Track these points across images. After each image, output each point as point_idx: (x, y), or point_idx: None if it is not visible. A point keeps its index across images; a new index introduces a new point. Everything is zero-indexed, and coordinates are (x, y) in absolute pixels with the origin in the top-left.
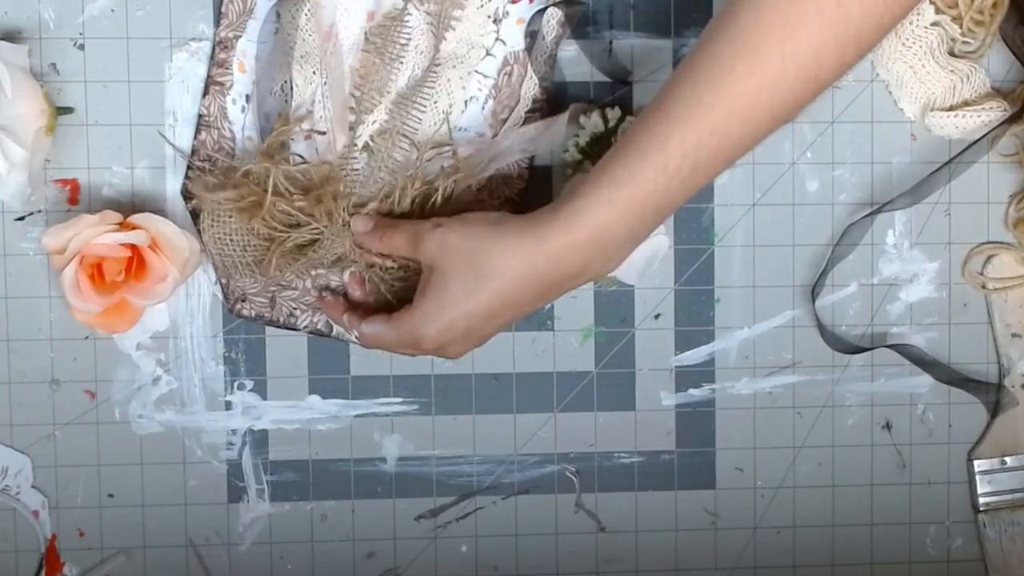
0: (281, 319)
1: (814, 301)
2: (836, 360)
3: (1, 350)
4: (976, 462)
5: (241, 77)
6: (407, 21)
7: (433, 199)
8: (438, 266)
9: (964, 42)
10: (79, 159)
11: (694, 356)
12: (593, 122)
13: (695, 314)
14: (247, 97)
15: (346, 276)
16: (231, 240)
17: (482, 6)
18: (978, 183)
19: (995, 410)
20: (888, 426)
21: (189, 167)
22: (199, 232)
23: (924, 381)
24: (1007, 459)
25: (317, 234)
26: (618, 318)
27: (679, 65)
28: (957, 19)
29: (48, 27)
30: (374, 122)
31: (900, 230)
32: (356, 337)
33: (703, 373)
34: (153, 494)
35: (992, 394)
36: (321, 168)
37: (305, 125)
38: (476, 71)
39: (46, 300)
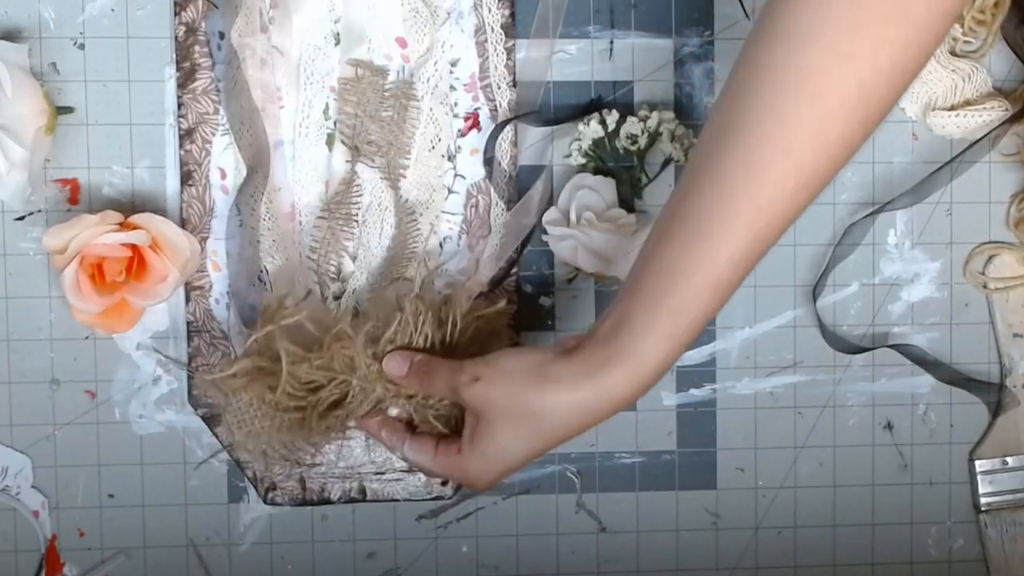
0: (315, 497)
1: (815, 301)
2: (837, 360)
3: (1, 350)
4: (977, 462)
5: (218, 276)
6: (358, 182)
7: (449, 311)
8: (485, 417)
9: (966, 41)
10: (79, 159)
11: (695, 356)
12: (593, 129)
13: None
14: (230, 294)
15: (392, 413)
16: (261, 428)
17: (433, 147)
18: (979, 183)
19: (996, 410)
20: (889, 426)
21: (190, 377)
22: (220, 435)
23: (925, 381)
24: (1008, 459)
25: (345, 388)
26: None
27: (690, 170)
28: (958, 18)
29: (48, 26)
30: (354, 290)
31: (901, 230)
32: (398, 457)
33: (704, 373)
34: (153, 494)
35: (993, 394)
36: (323, 319)
37: (288, 320)
38: (443, 212)
39: (46, 300)
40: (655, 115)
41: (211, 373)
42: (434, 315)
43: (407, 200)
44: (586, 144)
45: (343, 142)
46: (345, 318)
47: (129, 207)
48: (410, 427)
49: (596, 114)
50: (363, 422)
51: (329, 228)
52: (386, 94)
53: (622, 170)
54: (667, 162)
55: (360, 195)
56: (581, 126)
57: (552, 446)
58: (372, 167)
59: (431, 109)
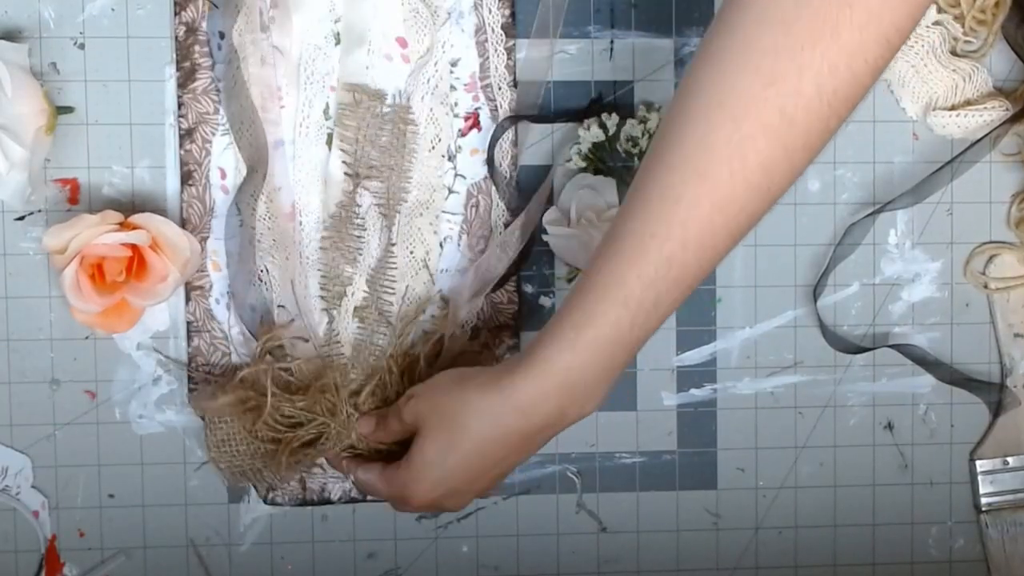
0: (315, 497)
1: (816, 301)
2: (838, 360)
3: (1, 350)
4: (978, 462)
5: (218, 276)
6: (358, 212)
7: (419, 369)
8: (419, 430)
9: (966, 41)
10: (79, 159)
11: (696, 356)
12: (593, 133)
13: (696, 314)
14: (230, 294)
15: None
16: (237, 451)
17: (433, 148)
18: (980, 182)
19: (997, 410)
20: (890, 426)
21: (190, 378)
22: (207, 442)
23: (926, 381)
24: (1009, 459)
25: (323, 428)
26: None
27: (627, 194)
28: (959, 18)
29: (48, 26)
30: (346, 310)
31: (902, 230)
32: (351, 482)
33: (705, 373)
34: (153, 494)
35: (994, 394)
36: (312, 363)
37: (287, 333)
38: (443, 212)
39: (46, 300)
40: (654, 115)
41: (200, 399)
42: (408, 375)
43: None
44: (585, 148)
45: (346, 172)
46: (332, 372)
47: (129, 207)
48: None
49: (596, 118)
50: (333, 459)
51: (334, 259)
52: (384, 119)
53: (623, 170)
54: None
55: (364, 228)
56: (581, 131)
57: (474, 462)
58: (370, 191)
59: (431, 109)
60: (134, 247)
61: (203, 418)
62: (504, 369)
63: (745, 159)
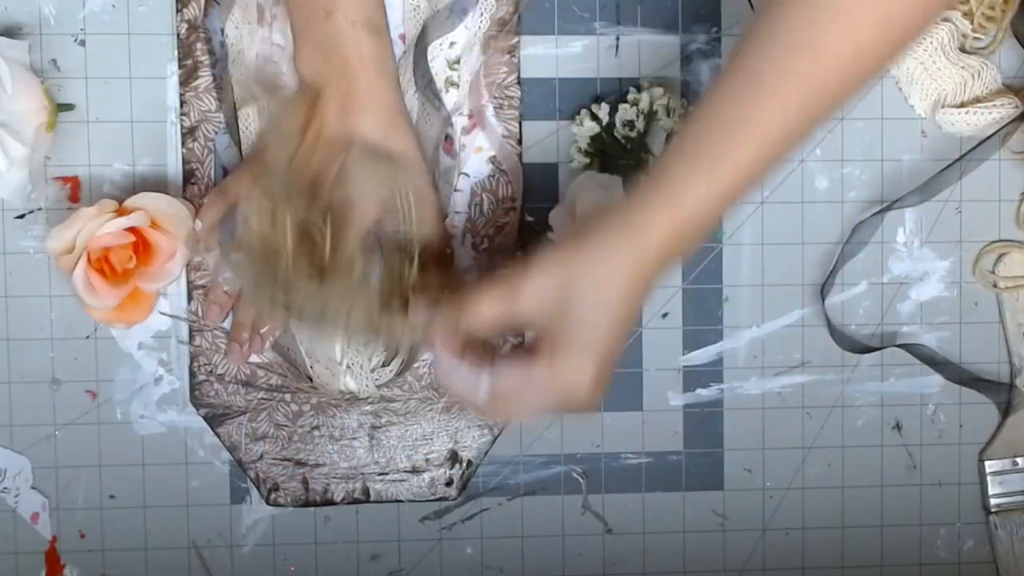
0: (318, 498)
1: (823, 300)
2: (846, 360)
3: (1, 350)
4: (987, 463)
5: None
6: None
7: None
8: (557, 315)
9: (975, 38)
10: (80, 156)
11: (702, 356)
12: (587, 127)
13: (703, 313)
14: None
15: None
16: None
17: (437, 146)
18: (989, 180)
19: (1006, 410)
20: (898, 426)
21: (192, 375)
22: (222, 436)
23: (935, 381)
24: (1019, 460)
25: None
26: None
27: (741, 46)
28: (968, 15)
29: (49, 23)
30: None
31: (910, 228)
32: (476, 400)
33: (711, 373)
34: (155, 495)
35: (1003, 394)
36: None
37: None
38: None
39: (47, 299)
40: (644, 95)
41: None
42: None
43: None
44: (584, 143)
45: None
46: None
47: None
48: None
49: (587, 111)
50: (443, 342)
51: None
52: None
53: (629, 161)
54: (670, 136)
55: None
56: (575, 127)
57: (624, 312)
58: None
59: (422, 104)
60: (136, 231)
61: (206, 418)
62: (632, 207)
63: (893, 16)
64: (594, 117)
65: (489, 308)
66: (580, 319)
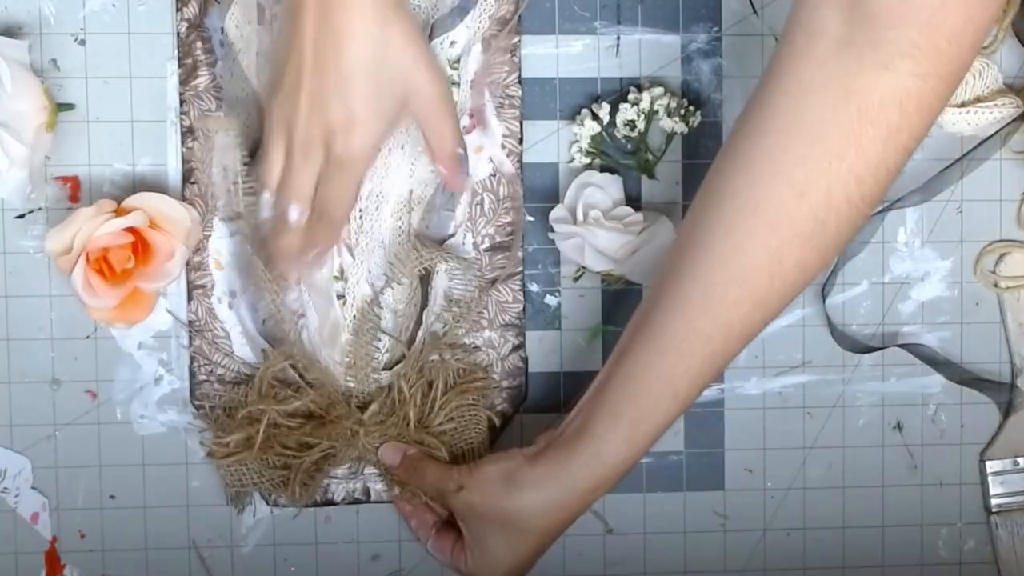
0: (318, 498)
1: (824, 300)
2: (847, 360)
3: (1, 350)
4: (988, 463)
5: (220, 275)
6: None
7: (432, 396)
8: (473, 527)
9: None
10: (80, 156)
11: None
12: (588, 126)
13: None
14: (232, 293)
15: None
16: (246, 469)
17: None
18: (990, 180)
19: (1008, 410)
20: (899, 426)
21: (192, 376)
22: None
23: (936, 381)
24: (1020, 460)
25: (332, 451)
26: (626, 317)
27: (661, 283)
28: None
29: (49, 22)
30: (356, 283)
31: (911, 228)
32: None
33: None
34: (155, 495)
35: (1005, 394)
36: (321, 392)
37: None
38: (446, 210)
39: (46, 299)
40: (645, 95)
41: (207, 444)
42: (412, 398)
43: (410, 191)
44: (584, 143)
45: None
46: (337, 397)
47: None
48: (435, 521)
49: (587, 111)
50: (400, 504)
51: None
52: None
53: (629, 161)
54: (671, 137)
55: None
56: (576, 127)
57: (542, 543)
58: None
59: None
60: (135, 230)
61: (210, 454)
62: (558, 460)
63: (783, 263)
64: (595, 117)
65: (429, 486)
66: (492, 543)
